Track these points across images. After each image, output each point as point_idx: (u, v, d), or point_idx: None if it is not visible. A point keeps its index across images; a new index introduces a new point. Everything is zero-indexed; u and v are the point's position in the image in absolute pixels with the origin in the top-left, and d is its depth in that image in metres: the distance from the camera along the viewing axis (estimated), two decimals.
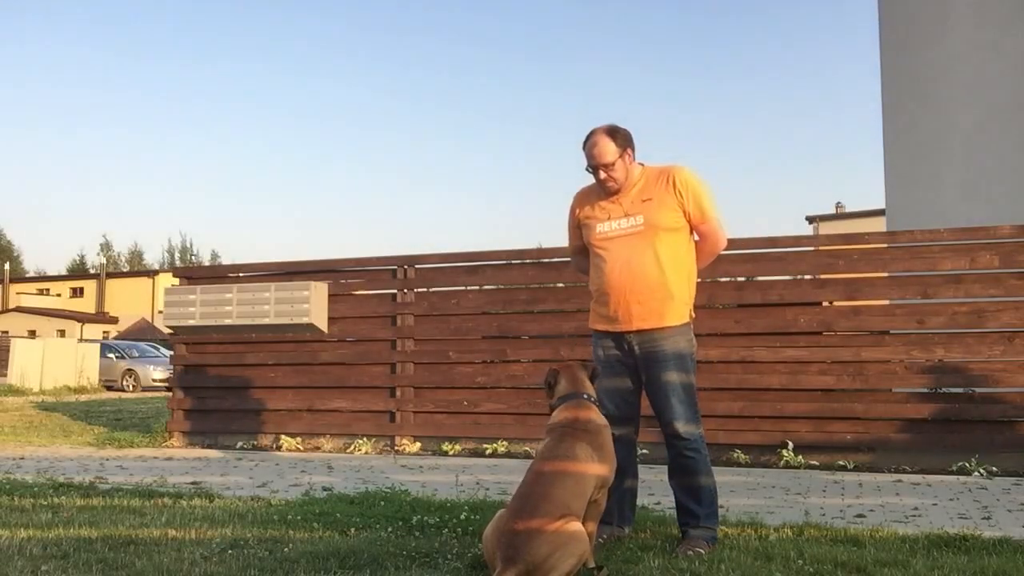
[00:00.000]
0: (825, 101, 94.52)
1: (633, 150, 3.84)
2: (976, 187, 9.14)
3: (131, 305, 50.50)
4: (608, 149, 3.76)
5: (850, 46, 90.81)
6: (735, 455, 6.66)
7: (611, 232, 3.84)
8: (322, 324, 8.10)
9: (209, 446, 8.36)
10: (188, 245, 73.05)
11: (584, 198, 4.00)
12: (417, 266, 8.05)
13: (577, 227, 4.05)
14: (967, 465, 6.04)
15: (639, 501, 4.97)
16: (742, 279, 7.51)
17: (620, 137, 3.79)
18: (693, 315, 3.92)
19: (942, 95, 9.87)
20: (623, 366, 3.93)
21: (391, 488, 5.10)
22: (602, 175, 3.81)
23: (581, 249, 4.08)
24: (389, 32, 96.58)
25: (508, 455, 7.24)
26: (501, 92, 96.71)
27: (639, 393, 3.99)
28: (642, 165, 3.91)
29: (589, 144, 3.82)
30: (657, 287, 3.77)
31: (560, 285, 7.91)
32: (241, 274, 8.90)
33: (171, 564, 3.46)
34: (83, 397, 18.39)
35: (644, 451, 6.92)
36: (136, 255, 74.68)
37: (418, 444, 7.74)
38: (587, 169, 3.86)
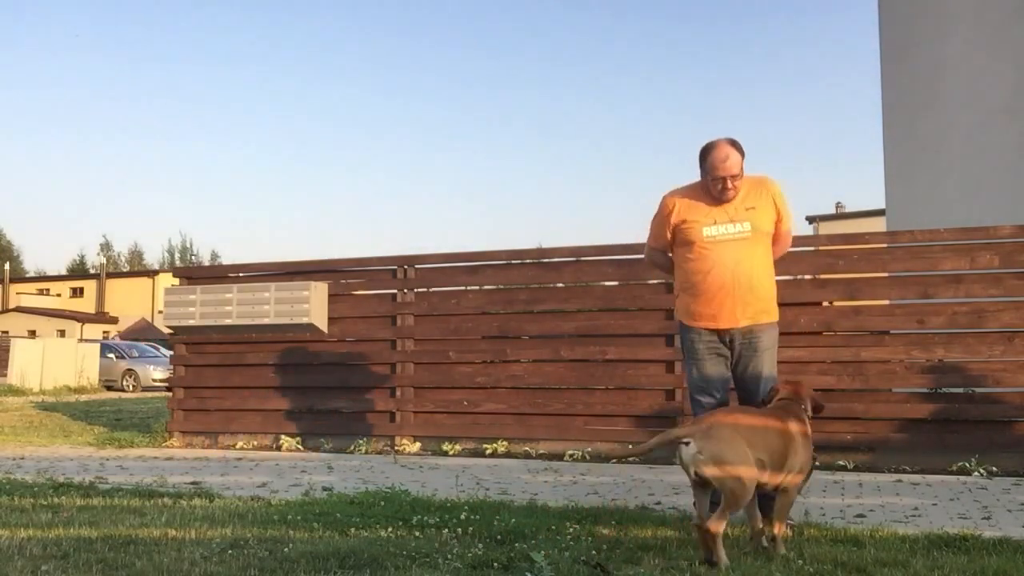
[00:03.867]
0: (825, 101, 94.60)
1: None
2: (976, 187, 9.14)
3: (131, 305, 50.48)
4: (738, 161, 4.03)
5: (850, 46, 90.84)
6: None
7: (718, 236, 4.10)
8: (322, 324, 8.11)
9: (209, 446, 8.36)
10: (188, 245, 73.10)
11: (684, 201, 4.21)
12: (417, 266, 8.05)
13: (669, 227, 4.26)
14: (967, 465, 6.03)
15: (639, 501, 4.98)
16: None
17: (742, 150, 4.07)
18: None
19: (942, 95, 9.87)
20: (723, 358, 4.22)
21: (391, 488, 5.09)
22: (729, 185, 4.05)
23: (666, 247, 4.37)
24: (390, 32, 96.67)
25: (508, 455, 7.24)
26: (502, 91, 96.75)
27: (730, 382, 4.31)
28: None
29: (720, 156, 4.03)
30: (761, 288, 4.13)
31: (560, 285, 7.91)
32: (241, 274, 8.90)
33: (171, 564, 3.47)
34: (83, 397, 18.39)
35: None
36: (136, 255, 74.70)
37: (418, 444, 7.74)
38: (707, 178, 4.10)
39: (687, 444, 3.46)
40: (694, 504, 3.64)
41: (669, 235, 4.29)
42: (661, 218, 4.30)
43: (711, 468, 3.41)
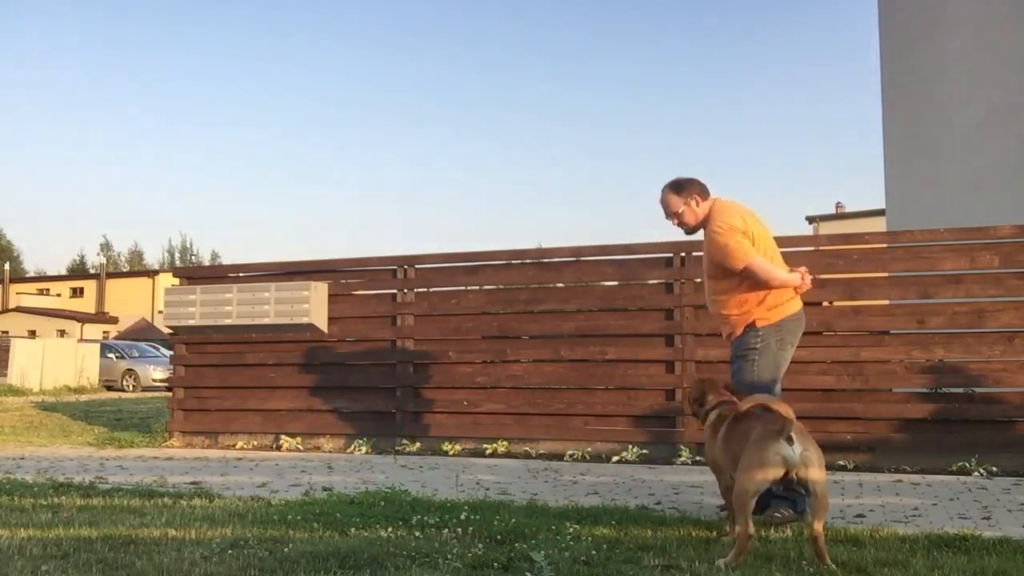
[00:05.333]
0: (825, 101, 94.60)
1: (701, 194, 4.48)
2: (976, 187, 9.15)
3: (131, 305, 50.47)
4: (673, 201, 4.49)
5: (850, 46, 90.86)
6: None
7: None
8: (322, 324, 8.11)
9: (209, 446, 8.36)
10: (188, 245, 73.05)
11: None
12: (417, 266, 8.05)
13: None
14: (967, 465, 6.03)
15: (639, 501, 4.98)
16: None
17: (684, 189, 4.48)
18: (760, 321, 4.40)
19: (942, 95, 9.88)
20: None
21: (391, 488, 5.09)
22: (674, 222, 4.55)
23: None
24: (390, 30, 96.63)
25: (508, 455, 7.24)
26: (502, 90, 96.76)
27: None
28: (716, 201, 4.50)
29: (660, 199, 4.56)
30: (721, 314, 4.54)
31: (560, 285, 7.91)
32: (241, 274, 8.89)
33: (171, 564, 3.47)
34: (83, 397, 18.39)
35: (644, 451, 6.93)
36: (136, 255, 74.69)
37: (418, 444, 7.74)
38: (665, 218, 4.59)
39: (791, 442, 3.45)
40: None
41: None
42: None
43: (816, 471, 3.45)
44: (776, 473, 3.44)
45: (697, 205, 4.45)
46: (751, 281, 4.37)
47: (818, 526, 3.40)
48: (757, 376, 4.38)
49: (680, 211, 4.47)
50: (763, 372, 4.38)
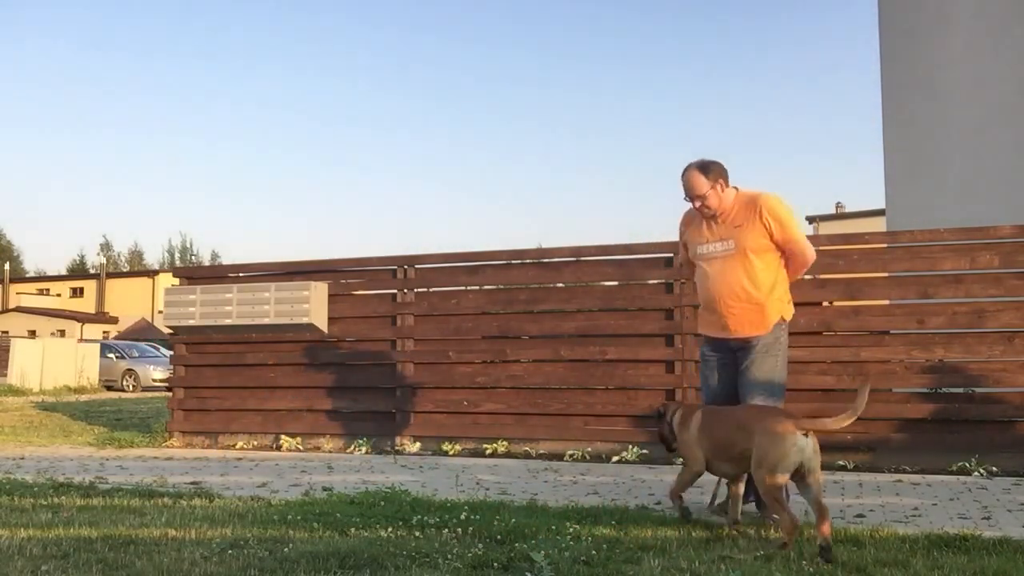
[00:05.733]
0: (825, 101, 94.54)
1: (726, 179, 4.38)
2: (976, 187, 9.14)
3: (131, 305, 50.47)
4: (700, 183, 4.33)
5: (850, 46, 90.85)
6: None
7: (707, 253, 4.47)
8: (322, 324, 8.11)
9: (209, 446, 8.36)
10: (188, 245, 73.04)
11: (689, 220, 4.61)
12: (417, 266, 8.05)
13: (682, 244, 4.73)
14: (967, 465, 6.03)
15: (639, 501, 4.99)
16: None
17: (711, 172, 4.35)
18: (786, 313, 4.49)
19: (942, 94, 9.87)
20: (724, 364, 4.53)
21: (391, 488, 5.09)
22: (697, 204, 4.39)
23: (689, 261, 4.71)
24: (389, 30, 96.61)
25: (508, 455, 7.24)
26: (502, 91, 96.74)
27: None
28: (736, 189, 4.43)
29: (684, 180, 4.40)
30: (743, 303, 4.36)
31: (560, 285, 7.91)
32: (241, 274, 8.89)
33: (171, 564, 3.47)
34: (83, 397, 18.39)
35: (644, 451, 6.93)
36: (136, 255, 74.70)
37: (418, 444, 7.74)
38: (685, 199, 4.44)
39: (806, 435, 3.64)
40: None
41: (683, 251, 4.72)
42: (679, 235, 4.75)
43: (818, 471, 3.66)
44: (796, 461, 3.62)
45: (722, 190, 4.36)
46: (786, 260, 4.44)
47: (826, 527, 3.48)
48: (780, 375, 4.41)
49: (705, 193, 4.33)
50: (784, 369, 4.44)
